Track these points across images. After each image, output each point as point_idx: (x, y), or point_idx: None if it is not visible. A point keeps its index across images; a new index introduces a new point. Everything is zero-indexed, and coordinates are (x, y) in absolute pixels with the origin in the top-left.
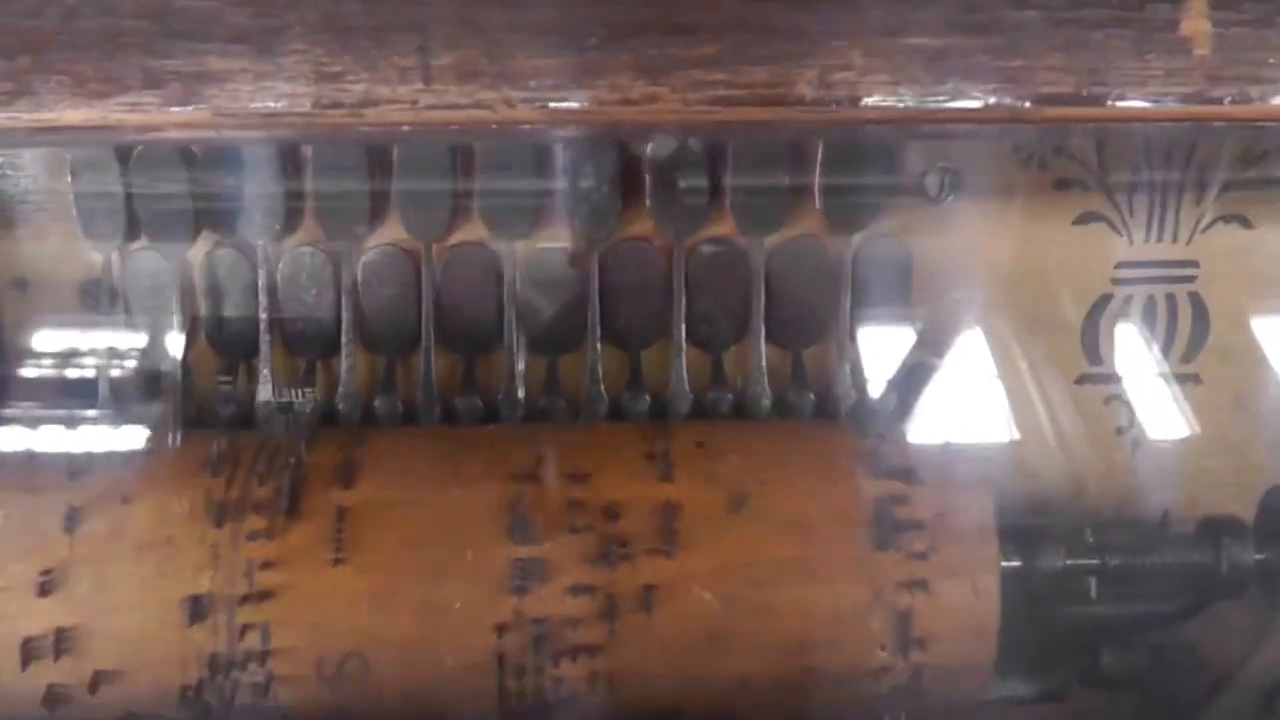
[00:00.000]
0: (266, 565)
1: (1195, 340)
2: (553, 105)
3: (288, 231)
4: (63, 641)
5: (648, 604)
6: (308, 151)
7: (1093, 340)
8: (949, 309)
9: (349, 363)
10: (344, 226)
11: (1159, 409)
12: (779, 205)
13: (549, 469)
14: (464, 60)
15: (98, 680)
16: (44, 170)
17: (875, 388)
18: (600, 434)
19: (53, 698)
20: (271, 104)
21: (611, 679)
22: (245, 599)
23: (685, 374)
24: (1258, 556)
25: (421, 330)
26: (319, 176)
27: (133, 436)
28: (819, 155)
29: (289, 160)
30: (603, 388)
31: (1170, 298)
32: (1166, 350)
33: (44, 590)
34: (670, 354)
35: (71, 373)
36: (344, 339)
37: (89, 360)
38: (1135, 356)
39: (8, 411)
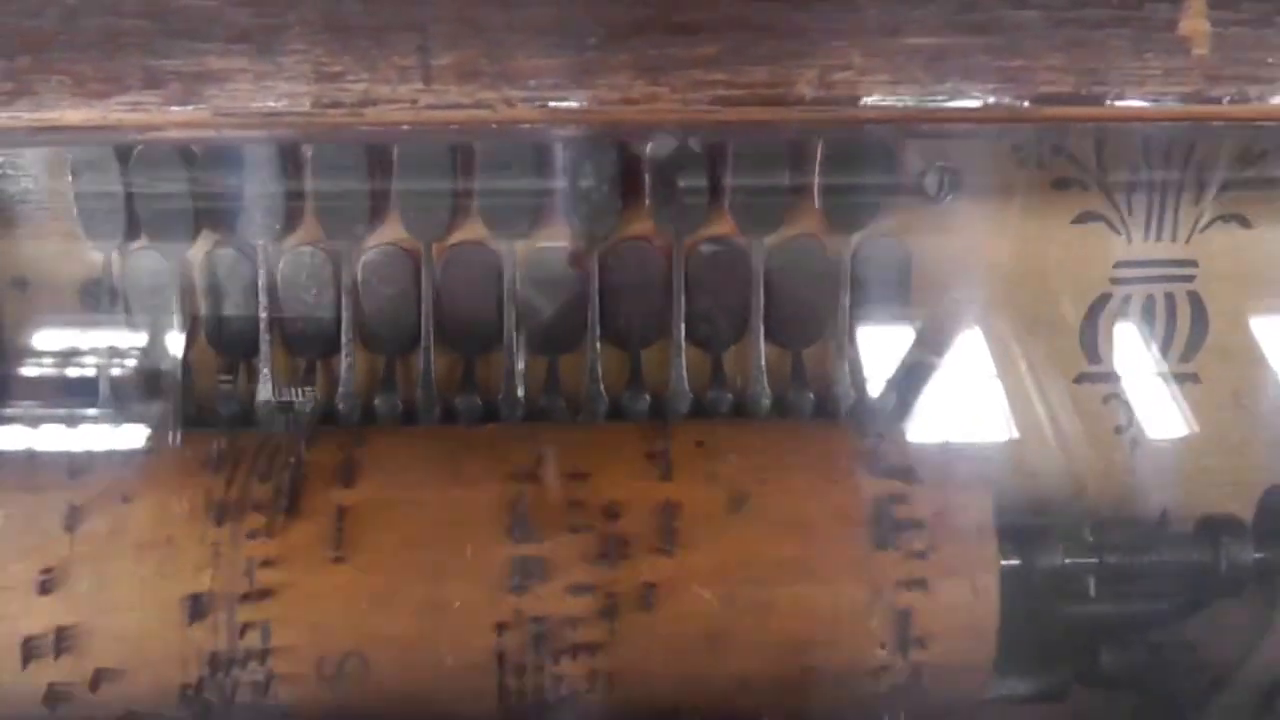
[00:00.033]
0: (266, 564)
1: (1194, 339)
2: (552, 105)
3: (288, 231)
4: (63, 640)
5: (648, 603)
6: (308, 151)
7: (1092, 339)
8: (948, 308)
9: (349, 362)
10: (344, 226)
11: (1158, 408)
12: (778, 205)
13: (549, 468)
14: (464, 60)
15: (98, 679)
16: (44, 170)
17: (874, 387)
18: (600, 433)
19: (53, 696)
20: (272, 103)
21: (611, 678)
22: (245, 597)
23: (685, 373)
24: (1256, 555)
25: (421, 329)
26: (319, 176)
27: (133, 436)
28: (818, 155)
29: (289, 160)
30: (602, 387)
31: (1169, 297)
32: (1165, 349)
33: (45, 589)
34: (670, 353)
35: (72, 372)
36: (344, 338)
37: (89, 360)
38: (1134, 356)
39: (8, 411)
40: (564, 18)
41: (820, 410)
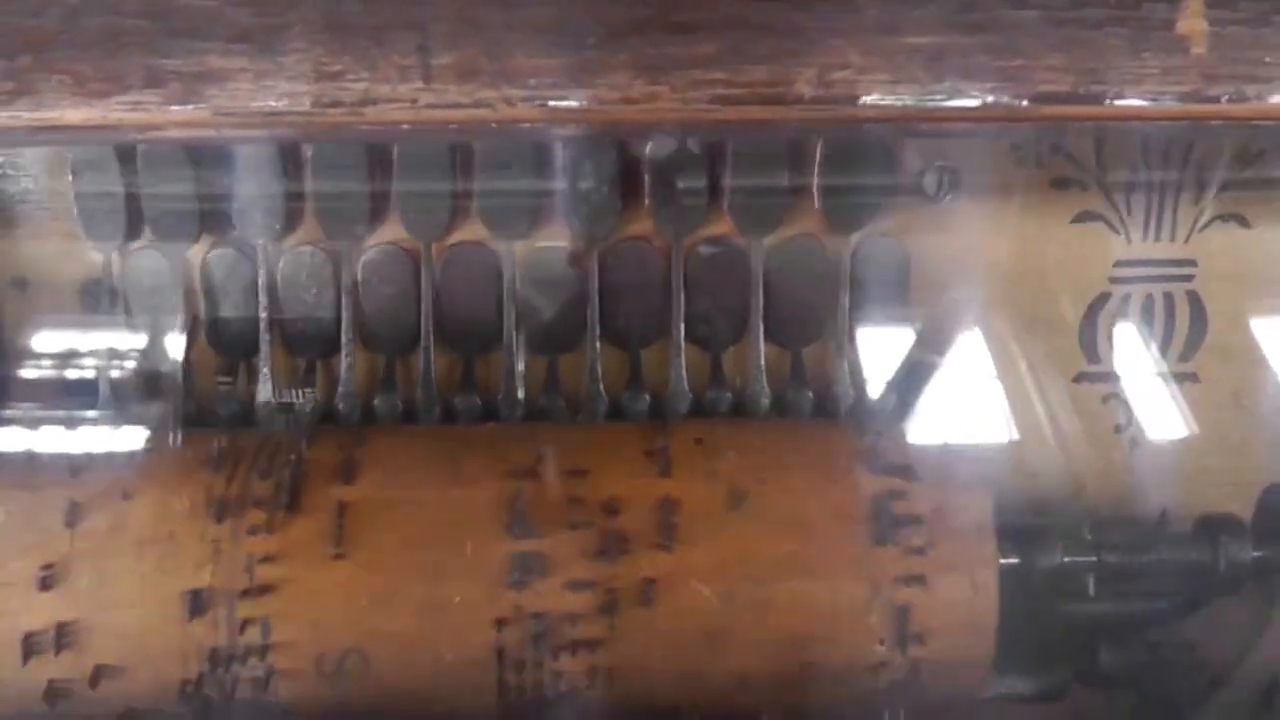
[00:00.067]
0: (267, 560)
1: (1193, 339)
2: (552, 104)
3: (288, 231)
4: (63, 636)
5: (647, 599)
6: (308, 151)
7: (1091, 339)
8: (947, 308)
9: (348, 362)
10: (344, 227)
11: (1157, 407)
12: (778, 205)
13: (548, 465)
14: (464, 59)
15: (98, 675)
16: (45, 170)
17: (874, 387)
18: (599, 432)
19: (53, 693)
20: (272, 103)
21: (611, 674)
22: (246, 593)
23: (684, 373)
24: (1255, 554)
25: (421, 329)
26: (319, 176)
27: (133, 435)
28: (818, 155)
29: (289, 160)
30: (602, 387)
31: (1168, 296)
32: (1164, 349)
33: (45, 585)
34: (669, 353)
35: (72, 372)
36: (343, 339)
37: (89, 360)
38: (1133, 355)
39: (8, 411)
40: (563, 17)
41: (819, 410)
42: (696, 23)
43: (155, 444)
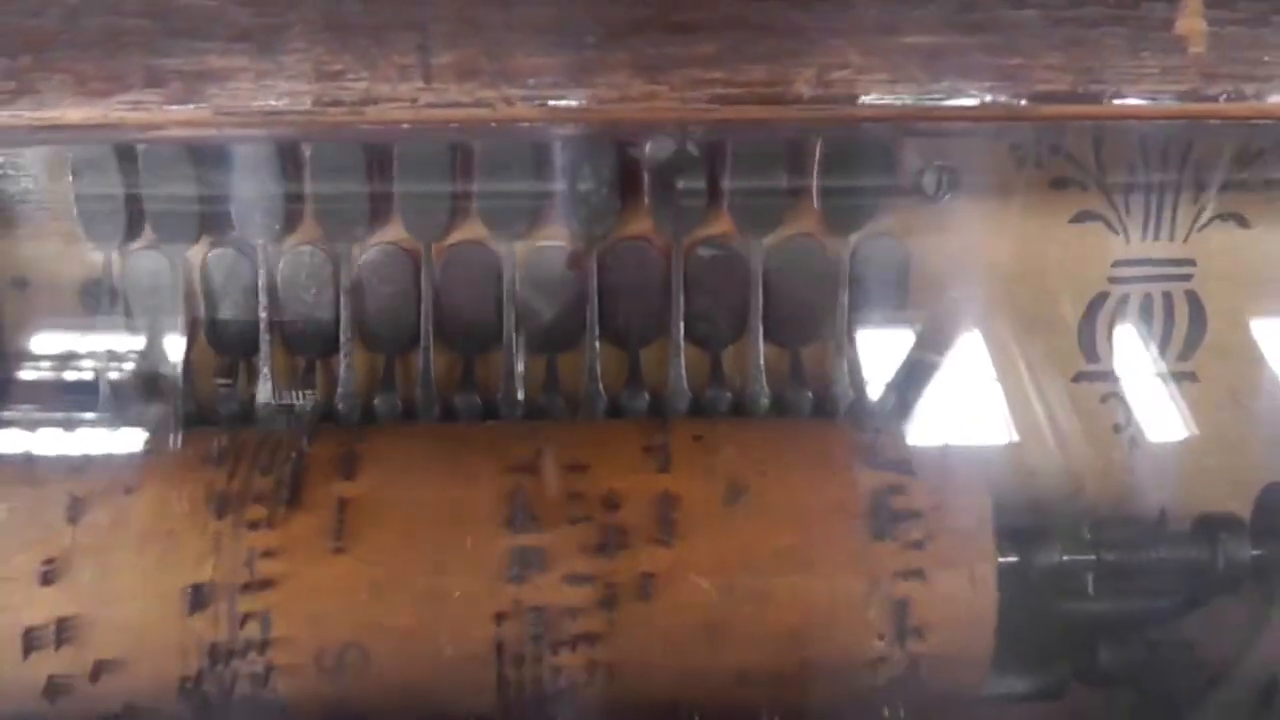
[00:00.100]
0: (267, 554)
1: (1192, 338)
2: (551, 103)
3: (288, 231)
4: (64, 631)
5: (646, 593)
6: (308, 152)
7: (1090, 338)
8: (946, 308)
9: (347, 362)
10: (344, 228)
11: (1156, 407)
12: (777, 205)
13: (548, 460)
14: (463, 59)
15: (98, 670)
16: (45, 170)
17: (873, 386)
18: (599, 429)
19: (53, 689)
20: (273, 102)
21: (610, 669)
22: (246, 588)
23: (684, 372)
24: (1254, 553)
25: (421, 329)
26: (319, 177)
27: (134, 435)
28: (817, 155)
29: (289, 160)
30: (601, 386)
31: (1167, 296)
32: (1163, 348)
33: (47, 580)
34: (669, 352)
35: (72, 372)
36: (342, 339)
37: (90, 360)
38: (1132, 355)
39: (9, 411)
40: (563, 17)
41: (819, 409)
42: (696, 22)
43: (156, 443)
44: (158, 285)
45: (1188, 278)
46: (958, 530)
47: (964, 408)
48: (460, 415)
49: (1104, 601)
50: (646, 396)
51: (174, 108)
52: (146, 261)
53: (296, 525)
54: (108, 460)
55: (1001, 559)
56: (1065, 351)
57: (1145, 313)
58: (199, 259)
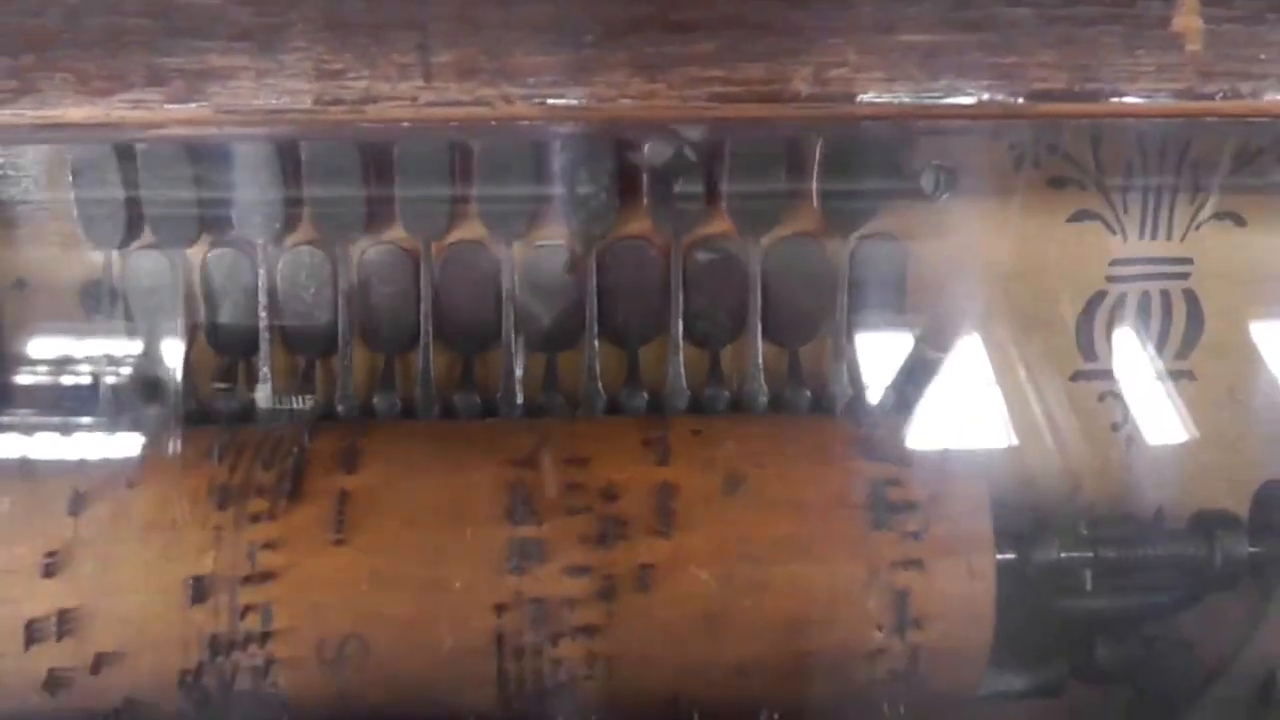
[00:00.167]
0: (268, 546)
1: (1190, 337)
2: (551, 102)
3: (287, 231)
4: (65, 623)
5: (645, 584)
6: (308, 153)
7: (1087, 337)
8: (944, 307)
9: (346, 363)
10: (342, 231)
11: (1153, 405)
12: (775, 205)
13: (548, 453)
14: (463, 58)
15: (99, 662)
16: (45, 171)
17: (871, 385)
18: (598, 424)
19: (54, 682)
20: (273, 101)
21: (610, 660)
22: (247, 579)
23: (683, 371)
24: (1251, 550)
25: (420, 328)
26: (319, 177)
27: (135, 435)
28: (816, 155)
29: (289, 160)
30: (600, 385)
31: (1165, 294)
32: (1161, 347)
33: (48, 572)
34: (668, 351)
35: (73, 373)
36: (341, 340)
37: (90, 360)
38: (1130, 353)
39: (9, 411)
40: (562, 16)
41: (817, 408)
42: (694, 21)
43: (156, 442)
44: (157, 286)
45: (1185, 276)
46: (955, 521)
47: (962, 406)
48: (460, 414)
49: (1102, 598)
50: (645, 395)
51: (175, 106)
52: (146, 262)
53: (297, 517)
54: (109, 455)
55: (1000, 556)
56: (1063, 350)
57: (1143, 311)
58: (199, 259)
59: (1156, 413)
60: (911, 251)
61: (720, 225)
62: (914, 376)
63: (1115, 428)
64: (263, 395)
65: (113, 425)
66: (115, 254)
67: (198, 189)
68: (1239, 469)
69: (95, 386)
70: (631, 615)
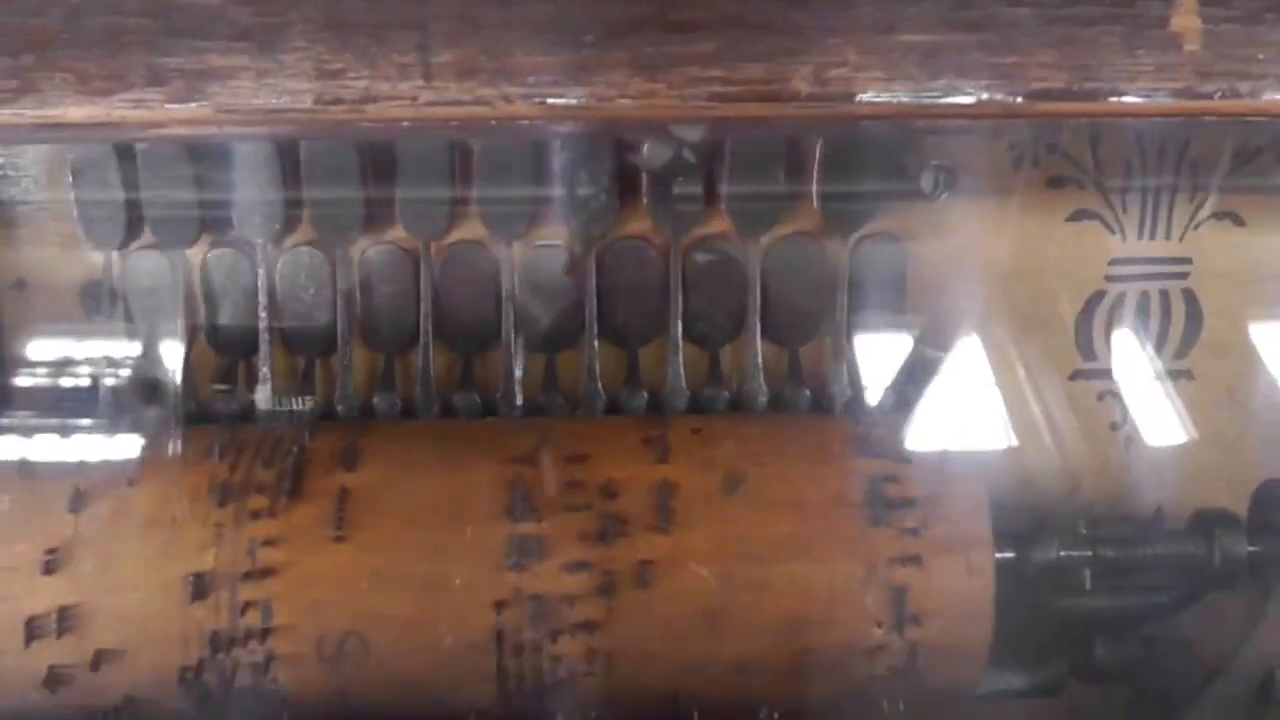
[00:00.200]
0: (268, 543)
1: (1188, 336)
2: (551, 102)
3: (287, 231)
4: (65, 620)
5: (644, 581)
6: (308, 153)
7: (1086, 336)
8: (944, 306)
9: (346, 363)
10: (341, 231)
11: (1152, 405)
12: (775, 204)
13: (548, 451)
14: (463, 57)
15: (99, 659)
16: (45, 171)
17: (870, 385)
18: (598, 423)
19: (54, 679)
20: (273, 100)
21: (609, 657)
22: (247, 576)
23: (682, 371)
24: (1250, 549)
25: (420, 328)
26: (318, 177)
27: (135, 435)
28: (815, 155)
29: (289, 161)
30: (600, 385)
31: (1164, 294)
32: (1160, 346)
33: (49, 569)
34: (667, 351)
35: (73, 373)
36: (340, 341)
37: (90, 361)
38: (1129, 353)
39: (9, 411)
40: (562, 15)
41: (816, 407)
42: (694, 21)
43: (156, 443)
44: (157, 286)
45: (1184, 276)
46: (954, 518)
47: (961, 405)
48: (460, 414)
49: (1101, 598)
50: (645, 395)
51: (175, 106)
52: (146, 262)
53: (298, 514)
54: (110, 454)
55: (999, 555)
56: (1062, 350)
57: (1142, 311)
58: (199, 260)
59: (1155, 412)
60: (911, 251)
61: (720, 225)
62: (913, 376)
63: (1114, 427)
64: (263, 396)
65: (113, 426)
66: (115, 254)
67: (198, 189)
68: (1238, 468)
69: (95, 387)
70: (631, 612)
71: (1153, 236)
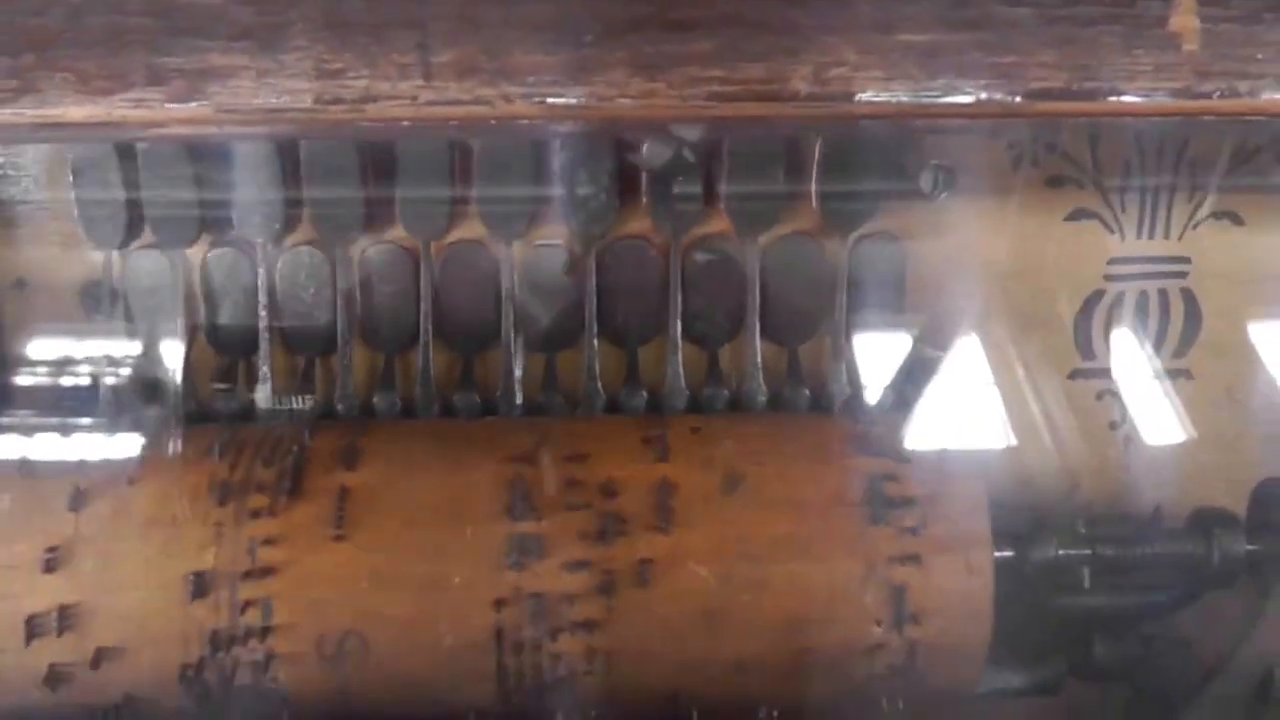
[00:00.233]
0: (269, 541)
1: (1187, 335)
2: (550, 101)
3: (287, 231)
4: (66, 618)
5: (644, 580)
6: (308, 153)
7: (1085, 336)
8: (943, 306)
9: (346, 363)
10: (341, 231)
11: (1151, 404)
12: (774, 204)
13: (548, 450)
14: (463, 57)
15: (99, 657)
16: (45, 170)
17: (870, 384)
18: (598, 422)
19: (54, 677)
20: (274, 100)
21: (609, 656)
22: (247, 575)
23: (681, 370)
24: (1249, 548)
25: (420, 327)
26: (318, 177)
27: (135, 434)
28: (814, 155)
29: (289, 160)
30: (600, 384)
31: (1162, 293)
32: (1159, 345)
33: (49, 567)
34: (667, 350)
35: (73, 373)
36: (340, 340)
37: (90, 360)
38: (1128, 352)
39: (9, 411)
40: (561, 15)
41: (815, 407)
42: (694, 20)
43: (156, 443)
44: (157, 286)
45: (1183, 275)
46: (953, 517)
47: (960, 404)
48: (459, 413)
49: (1100, 597)
50: (644, 394)
51: (176, 106)
52: (146, 262)
53: (298, 513)
54: (110, 453)
55: (998, 554)
56: (1061, 349)
57: (1141, 310)
58: (199, 259)
59: (1154, 411)
60: (910, 251)
61: (719, 225)
62: (913, 375)
63: (1113, 426)
64: (263, 395)
65: (113, 426)
66: (115, 254)
67: (198, 189)
68: (1236, 467)
69: (95, 387)
70: (631, 610)
71: (1151, 236)
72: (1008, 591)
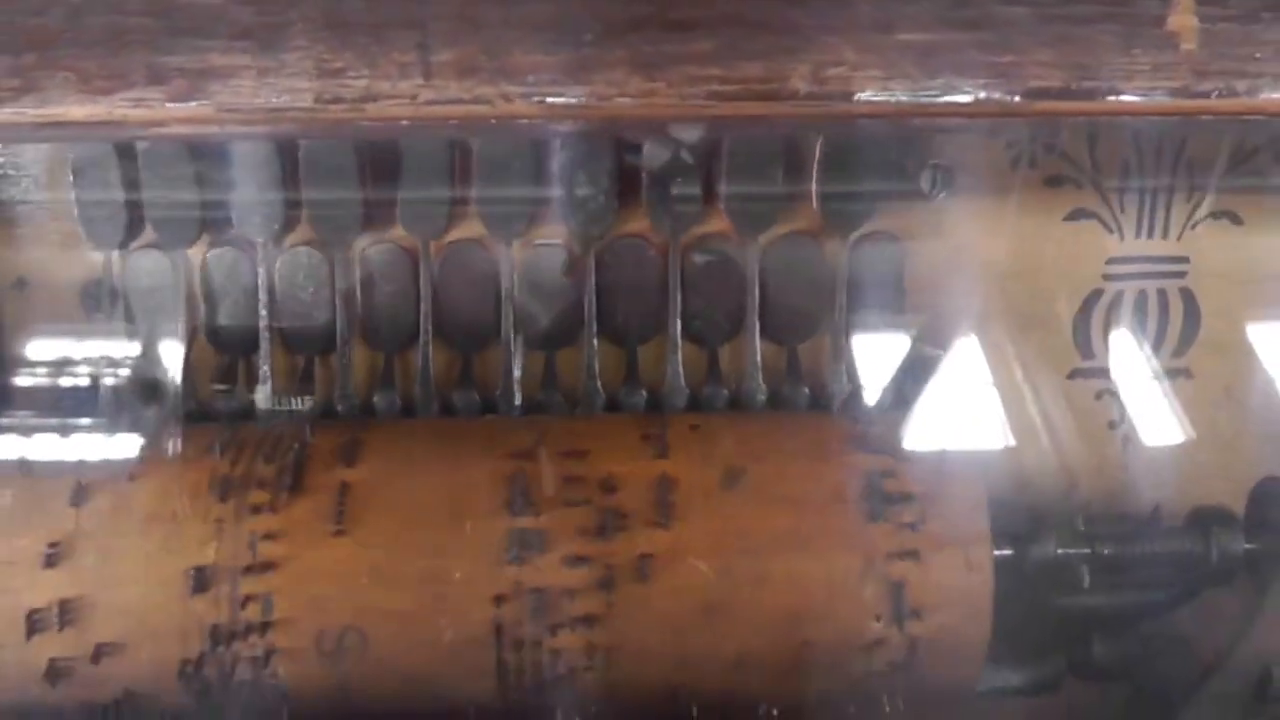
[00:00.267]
0: (269, 537)
1: (1186, 335)
2: (550, 100)
3: (287, 230)
4: (66, 613)
5: (644, 575)
6: (307, 153)
7: (1084, 335)
8: (942, 305)
9: (346, 362)
10: (341, 230)
11: (1150, 403)
12: (773, 204)
13: (547, 446)
14: (463, 56)
15: (100, 652)
16: (45, 170)
17: (869, 383)
18: (598, 420)
19: (54, 672)
20: (274, 99)
21: (609, 651)
22: (248, 570)
23: (681, 369)
24: (1247, 546)
25: (420, 326)
26: (318, 178)
27: (135, 434)
28: (814, 154)
29: (289, 161)
30: (599, 383)
31: (1161, 293)
32: (1158, 345)
33: (50, 563)
34: (666, 350)
35: (73, 373)
36: (339, 341)
37: (91, 360)
38: (1127, 352)
39: (9, 411)
40: (561, 14)
41: (815, 406)
42: (693, 20)
43: (156, 443)
44: (158, 286)
45: (1182, 275)
46: (951, 513)
47: (960, 404)
48: (459, 412)
49: (1099, 595)
50: (644, 393)
51: (176, 105)
52: (146, 262)
53: (298, 509)
54: (112, 450)
55: (997, 552)
56: (1060, 349)
57: (1140, 310)
58: (199, 259)
59: (1153, 411)
60: (909, 250)
61: (718, 225)
62: (912, 375)
63: (1112, 426)
64: (263, 395)
65: (113, 426)
66: (115, 254)
67: (198, 189)
68: (1235, 466)
69: (95, 386)
70: (630, 605)
71: (1150, 235)
72: (1007, 590)
